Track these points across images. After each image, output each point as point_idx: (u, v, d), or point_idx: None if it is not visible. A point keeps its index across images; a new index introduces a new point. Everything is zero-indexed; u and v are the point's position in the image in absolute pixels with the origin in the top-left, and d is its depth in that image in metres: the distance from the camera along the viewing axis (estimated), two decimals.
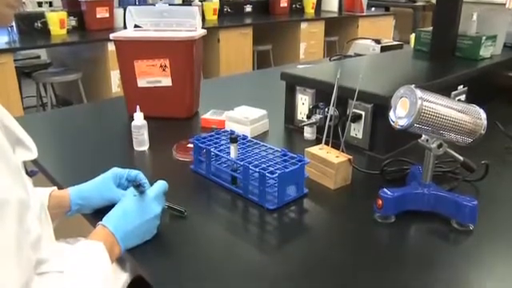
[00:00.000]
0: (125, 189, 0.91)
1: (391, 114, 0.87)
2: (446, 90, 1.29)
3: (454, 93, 1.42)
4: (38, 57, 4.38)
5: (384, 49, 2.22)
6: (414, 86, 0.83)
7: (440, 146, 0.87)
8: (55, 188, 0.92)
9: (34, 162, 1.13)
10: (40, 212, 0.74)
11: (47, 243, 0.77)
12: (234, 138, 1.00)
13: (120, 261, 0.83)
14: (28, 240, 0.59)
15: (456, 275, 0.76)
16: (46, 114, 2.49)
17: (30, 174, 0.72)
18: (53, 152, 1.27)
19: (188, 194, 1.03)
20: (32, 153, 0.71)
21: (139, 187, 0.81)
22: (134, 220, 0.79)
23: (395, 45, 2.30)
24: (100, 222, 0.78)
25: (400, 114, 0.85)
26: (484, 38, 1.58)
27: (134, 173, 0.93)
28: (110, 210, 0.82)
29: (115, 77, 3.72)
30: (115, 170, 0.93)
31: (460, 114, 0.85)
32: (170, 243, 0.84)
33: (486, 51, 1.61)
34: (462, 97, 1.46)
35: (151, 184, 0.87)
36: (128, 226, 0.78)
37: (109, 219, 0.78)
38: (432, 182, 0.91)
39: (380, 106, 1.16)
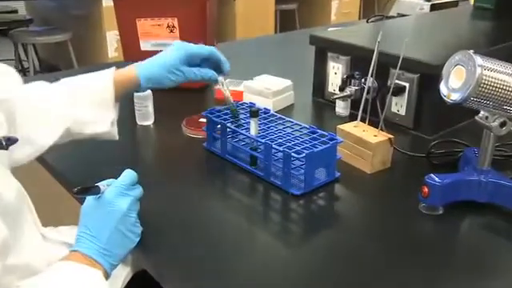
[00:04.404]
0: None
1: (442, 86, 0.86)
2: None
3: None
4: (15, 11, 4.33)
5: (435, 7, 2.19)
6: (472, 51, 0.82)
7: (503, 124, 0.86)
8: (113, 71, 0.94)
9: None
10: (16, 202, 0.76)
11: (29, 236, 0.79)
12: (254, 112, 1.01)
13: None
14: None
15: None
16: (29, 80, 2.51)
17: (5, 145, 0.71)
18: None
19: (200, 177, 1.05)
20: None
21: (87, 191, 0.76)
22: (103, 232, 0.76)
23: (449, 2, 2.26)
24: (70, 249, 0.76)
25: (454, 86, 0.84)
26: None
27: (206, 50, 0.97)
28: None
29: (112, 38, 3.73)
30: (187, 49, 0.95)
31: None
32: (178, 234, 0.86)
33: None
34: None
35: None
36: (100, 240, 0.75)
37: (80, 243, 0.76)
38: (491, 168, 0.91)
39: (428, 77, 1.15)
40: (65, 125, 0.91)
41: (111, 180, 0.80)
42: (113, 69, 0.95)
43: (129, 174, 0.81)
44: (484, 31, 1.57)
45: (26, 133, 0.87)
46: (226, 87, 1.01)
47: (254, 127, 1.01)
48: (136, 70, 0.95)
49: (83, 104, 0.93)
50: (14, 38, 3.65)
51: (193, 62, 0.97)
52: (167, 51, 0.97)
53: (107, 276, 0.75)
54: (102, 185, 0.77)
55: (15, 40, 3.66)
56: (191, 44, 0.97)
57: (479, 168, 0.91)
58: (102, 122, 0.94)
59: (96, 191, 0.76)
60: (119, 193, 0.78)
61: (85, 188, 0.75)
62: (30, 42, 3.66)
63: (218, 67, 1.00)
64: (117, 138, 0.98)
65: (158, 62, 0.96)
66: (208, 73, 0.98)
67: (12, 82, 0.88)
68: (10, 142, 0.71)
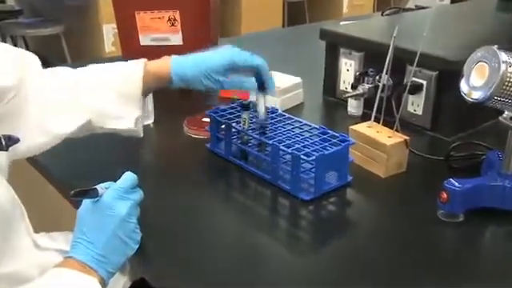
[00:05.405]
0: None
1: (463, 84, 0.86)
2: None
3: None
4: (3, 1, 4.33)
5: None
6: (496, 47, 0.82)
7: None
8: (144, 63, 0.94)
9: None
10: (8, 207, 0.76)
11: (21, 242, 0.80)
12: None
13: None
14: None
15: None
16: None
17: (4, 145, 0.70)
18: None
19: (202, 180, 1.05)
20: None
21: (85, 194, 0.76)
22: (100, 237, 0.75)
23: None
24: (65, 256, 0.77)
25: (475, 84, 0.84)
26: None
27: (256, 61, 0.94)
28: None
29: (109, 32, 3.73)
30: (234, 58, 0.93)
31: None
32: (179, 240, 0.86)
33: None
34: None
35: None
36: (97, 246, 0.75)
37: (75, 249, 0.76)
38: None
39: (447, 74, 1.15)
40: (86, 116, 0.91)
41: (110, 183, 0.80)
42: (143, 61, 0.95)
43: (129, 177, 0.81)
44: (509, 25, 1.56)
45: (38, 121, 0.88)
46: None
47: (262, 106, 1.01)
48: (170, 66, 0.94)
49: (109, 96, 0.93)
50: (3, 29, 3.64)
51: (234, 69, 0.95)
52: (212, 53, 0.95)
53: (104, 284, 0.75)
54: (100, 187, 0.77)
55: (4, 32, 3.65)
56: (243, 52, 0.95)
57: (503, 173, 0.90)
58: (126, 118, 0.94)
59: (94, 194, 0.76)
60: (118, 196, 0.78)
61: (82, 191, 0.75)
62: (19, 34, 3.65)
63: (259, 82, 0.98)
64: (141, 135, 0.98)
65: (197, 61, 0.94)
66: (247, 82, 0.96)
67: (28, 70, 0.88)
68: (10, 141, 0.71)
